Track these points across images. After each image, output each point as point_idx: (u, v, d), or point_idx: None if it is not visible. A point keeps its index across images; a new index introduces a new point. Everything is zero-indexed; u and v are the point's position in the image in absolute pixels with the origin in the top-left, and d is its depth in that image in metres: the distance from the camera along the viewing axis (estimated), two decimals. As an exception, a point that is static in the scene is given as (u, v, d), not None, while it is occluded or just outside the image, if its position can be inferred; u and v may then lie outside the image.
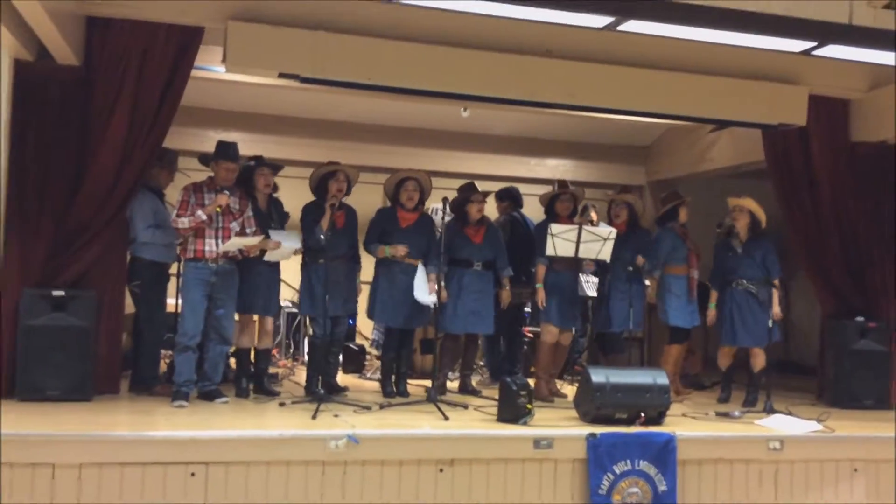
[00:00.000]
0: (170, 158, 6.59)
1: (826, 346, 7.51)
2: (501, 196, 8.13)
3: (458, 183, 7.20)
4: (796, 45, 6.09)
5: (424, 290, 6.40)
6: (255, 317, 6.51)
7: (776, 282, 6.92)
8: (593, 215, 7.14)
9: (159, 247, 6.25)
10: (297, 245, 6.36)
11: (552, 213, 7.00)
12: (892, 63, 6.24)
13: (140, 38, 5.91)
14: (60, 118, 5.84)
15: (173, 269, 6.57)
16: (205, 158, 6.25)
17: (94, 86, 5.89)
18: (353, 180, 6.57)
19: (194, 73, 6.20)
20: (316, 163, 6.79)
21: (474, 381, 7.40)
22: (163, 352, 6.81)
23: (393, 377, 6.72)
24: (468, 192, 6.91)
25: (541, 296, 6.78)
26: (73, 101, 5.88)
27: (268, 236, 6.19)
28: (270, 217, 6.44)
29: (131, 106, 5.90)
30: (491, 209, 7.91)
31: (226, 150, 6.12)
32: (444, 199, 6.50)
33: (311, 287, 6.39)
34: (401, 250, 6.47)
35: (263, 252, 6.21)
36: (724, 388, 7.24)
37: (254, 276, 6.29)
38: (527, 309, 8.03)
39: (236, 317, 6.27)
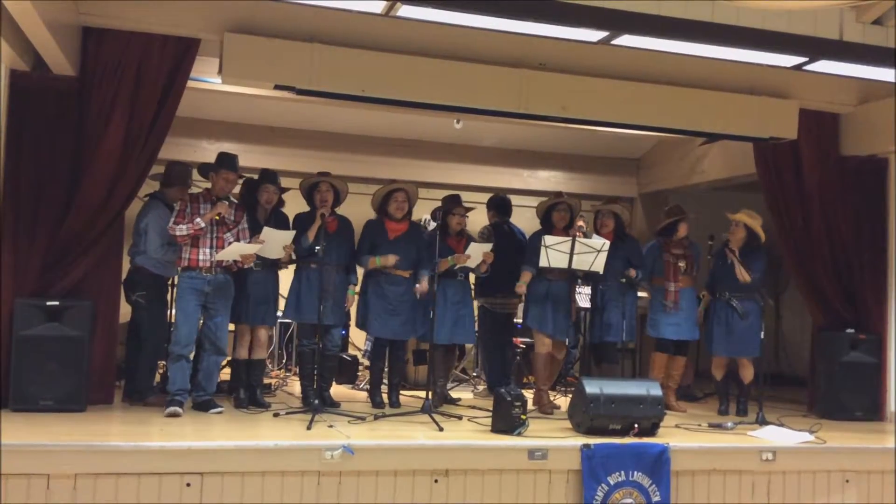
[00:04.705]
0: (185, 174, 6.57)
1: (817, 358, 7.54)
2: (489, 205, 8.14)
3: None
4: (788, 61, 6.17)
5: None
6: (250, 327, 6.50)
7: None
8: (580, 223, 7.18)
9: (165, 261, 6.25)
10: (289, 241, 6.25)
11: (548, 224, 7.01)
12: (882, 78, 6.33)
13: (136, 49, 5.92)
14: (56, 128, 5.84)
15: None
16: (204, 169, 6.25)
17: (89, 96, 5.89)
18: (343, 191, 6.56)
19: (189, 83, 6.21)
20: (309, 174, 6.78)
21: (470, 391, 7.40)
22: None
23: (384, 387, 6.71)
24: (450, 205, 6.90)
25: (521, 288, 6.80)
26: (69, 111, 5.87)
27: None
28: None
29: (127, 116, 5.90)
30: (484, 218, 7.95)
31: (227, 161, 6.13)
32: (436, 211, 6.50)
33: (299, 292, 6.39)
34: (391, 259, 6.48)
35: (259, 260, 6.18)
36: (722, 401, 7.23)
37: (249, 286, 6.28)
38: (517, 319, 8.04)
39: (231, 327, 6.26)
